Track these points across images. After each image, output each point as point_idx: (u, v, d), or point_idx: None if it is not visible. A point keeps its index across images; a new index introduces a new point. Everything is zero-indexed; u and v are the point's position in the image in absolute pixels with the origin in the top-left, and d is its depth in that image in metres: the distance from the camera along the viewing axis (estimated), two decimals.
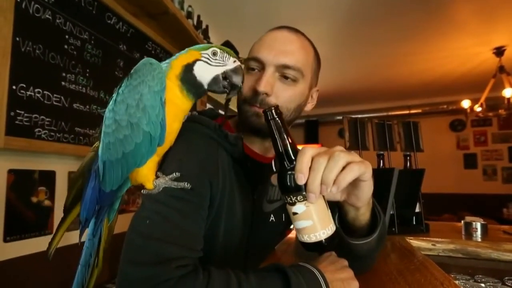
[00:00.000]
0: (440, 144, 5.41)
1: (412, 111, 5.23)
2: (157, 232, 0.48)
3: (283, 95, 0.67)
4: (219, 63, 0.55)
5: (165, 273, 0.43)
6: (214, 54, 0.54)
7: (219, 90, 0.56)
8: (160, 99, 0.49)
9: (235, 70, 0.56)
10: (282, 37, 0.69)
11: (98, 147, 0.54)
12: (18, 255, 1.13)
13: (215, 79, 0.55)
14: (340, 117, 4.76)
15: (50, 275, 1.25)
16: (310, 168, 0.47)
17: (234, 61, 0.56)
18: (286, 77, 0.67)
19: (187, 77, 0.53)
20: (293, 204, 0.49)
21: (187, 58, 0.54)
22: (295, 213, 0.50)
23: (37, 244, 1.20)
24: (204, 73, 0.54)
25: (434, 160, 4.95)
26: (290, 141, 0.52)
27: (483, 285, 0.95)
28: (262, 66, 0.67)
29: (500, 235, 1.22)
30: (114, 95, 0.52)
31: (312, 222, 0.49)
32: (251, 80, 0.67)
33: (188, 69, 0.53)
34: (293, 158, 0.50)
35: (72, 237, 1.40)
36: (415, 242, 1.13)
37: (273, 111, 0.52)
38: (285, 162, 0.51)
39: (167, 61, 0.55)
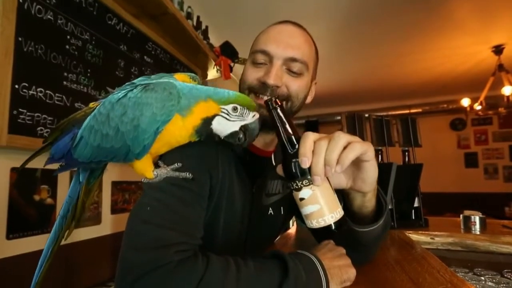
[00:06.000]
0: (441, 144, 5.41)
1: (412, 111, 5.24)
2: (157, 218, 0.49)
3: (292, 86, 0.69)
4: (238, 118, 0.54)
5: (165, 257, 0.44)
6: (235, 109, 0.54)
7: (235, 143, 0.55)
8: (156, 129, 0.49)
9: (253, 126, 0.55)
10: (288, 31, 0.71)
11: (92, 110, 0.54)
12: (20, 252, 1.14)
13: (232, 134, 0.55)
14: (340, 117, 4.77)
15: (51, 272, 1.26)
16: (313, 151, 0.48)
17: (253, 116, 0.55)
18: (293, 70, 0.69)
19: (203, 129, 0.53)
20: (299, 189, 0.50)
21: (206, 109, 0.52)
22: (302, 199, 0.50)
23: (39, 242, 1.21)
24: (222, 127, 0.54)
25: (435, 159, 4.96)
26: (292, 128, 0.53)
27: (482, 278, 0.96)
28: (270, 59, 0.69)
29: (499, 229, 1.23)
30: (124, 91, 0.51)
31: (320, 206, 0.49)
32: (259, 73, 0.69)
33: (206, 122, 0.53)
34: (296, 144, 0.51)
35: (73, 236, 1.41)
36: (414, 236, 1.14)
37: (273, 100, 0.54)
38: (288, 149, 0.52)
39: (188, 92, 0.52)
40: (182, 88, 0.52)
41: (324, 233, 0.51)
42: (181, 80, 0.59)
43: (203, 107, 0.52)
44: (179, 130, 0.51)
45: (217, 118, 0.53)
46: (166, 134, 0.51)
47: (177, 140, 0.53)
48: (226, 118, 0.53)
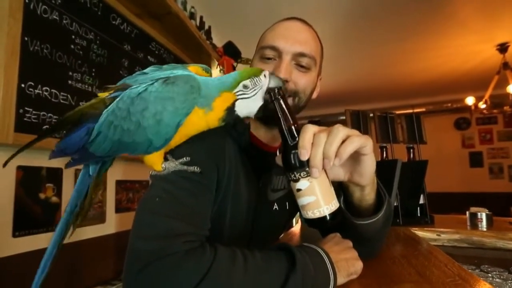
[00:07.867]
0: (445, 143, 5.38)
1: (416, 110, 5.20)
2: (166, 209, 0.49)
3: (300, 82, 0.70)
4: (255, 89, 0.54)
5: (173, 247, 0.44)
6: (246, 87, 0.53)
7: (271, 111, 0.55)
8: (179, 122, 0.49)
9: (273, 83, 0.55)
10: (295, 27, 0.72)
11: (104, 103, 0.52)
12: (26, 250, 1.15)
13: (261, 107, 0.55)
14: (343, 117, 4.74)
15: (56, 269, 1.26)
16: (312, 144, 0.48)
17: (265, 75, 0.55)
18: (301, 65, 0.70)
19: (230, 117, 0.54)
20: (297, 180, 0.51)
21: (224, 101, 0.53)
22: (299, 190, 0.51)
23: (44, 240, 1.21)
24: (247, 108, 0.54)
25: (439, 159, 4.92)
26: (293, 120, 0.53)
27: (489, 274, 0.95)
28: (279, 55, 0.69)
29: (506, 226, 1.21)
30: (143, 85, 0.50)
31: (316, 197, 0.50)
32: (268, 68, 0.69)
33: (230, 111, 0.53)
34: (297, 136, 0.52)
35: (77, 235, 1.41)
36: (420, 232, 1.13)
37: (276, 90, 0.54)
38: (288, 141, 0.53)
39: (205, 87, 0.52)
40: (200, 81, 0.52)
41: (318, 224, 0.52)
42: (194, 71, 0.59)
43: (221, 101, 0.53)
44: (199, 122, 0.52)
45: (237, 103, 0.53)
46: (187, 126, 0.51)
47: (197, 130, 0.54)
48: (245, 98, 0.53)
